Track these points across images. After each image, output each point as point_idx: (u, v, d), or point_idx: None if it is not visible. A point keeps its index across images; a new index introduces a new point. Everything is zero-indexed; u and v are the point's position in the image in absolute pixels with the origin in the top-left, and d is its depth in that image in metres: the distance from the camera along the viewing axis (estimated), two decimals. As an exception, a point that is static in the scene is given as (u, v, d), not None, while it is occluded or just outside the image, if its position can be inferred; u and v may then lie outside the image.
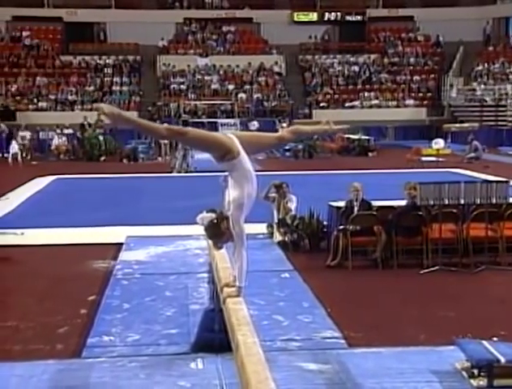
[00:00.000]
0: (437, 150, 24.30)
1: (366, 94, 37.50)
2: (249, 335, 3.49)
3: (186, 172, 21.81)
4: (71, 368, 5.76)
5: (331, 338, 6.50)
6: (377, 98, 37.36)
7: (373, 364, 5.79)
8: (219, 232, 4.44)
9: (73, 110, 34.75)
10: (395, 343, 6.33)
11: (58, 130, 28.35)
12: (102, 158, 26.62)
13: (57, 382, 5.44)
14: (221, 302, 4.54)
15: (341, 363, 5.81)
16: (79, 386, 5.35)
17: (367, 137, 29.26)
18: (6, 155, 27.82)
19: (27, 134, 28.54)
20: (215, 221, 4.41)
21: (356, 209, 9.59)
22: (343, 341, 6.44)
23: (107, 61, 38.48)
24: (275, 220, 10.91)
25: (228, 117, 32.93)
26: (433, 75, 38.83)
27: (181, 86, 37.16)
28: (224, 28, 41.09)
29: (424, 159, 23.19)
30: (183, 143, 4.35)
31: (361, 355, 6.06)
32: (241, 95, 36.28)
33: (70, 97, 35.77)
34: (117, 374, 5.57)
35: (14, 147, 26.65)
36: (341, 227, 9.50)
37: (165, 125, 4.67)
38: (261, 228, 11.15)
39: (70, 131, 28.93)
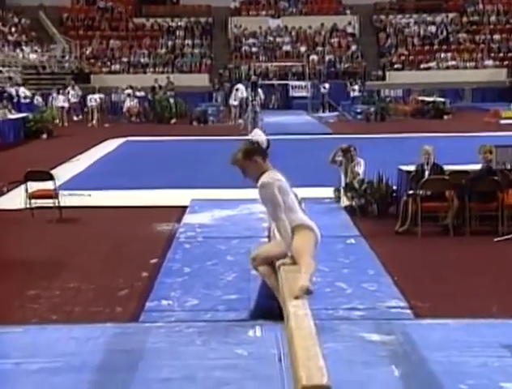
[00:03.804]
0: (517, 112, 23.29)
1: (443, 55, 36.30)
2: (300, 307, 3.27)
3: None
4: (128, 332, 5.69)
5: (396, 308, 6.22)
6: (454, 59, 36.12)
7: (440, 336, 5.49)
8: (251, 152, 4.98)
9: (145, 73, 34.96)
10: (465, 314, 6.01)
11: (128, 91, 28.44)
12: (172, 120, 26.70)
13: (112, 346, 5.37)
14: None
15: (406, 334, 5.53)
16: (134, 350, 5.26)
17: (442, 99, 28.42)
18: (80, 116, 28.28)
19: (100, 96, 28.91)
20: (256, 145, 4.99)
21: (426, 173, 9.20)
22: (409, 311, 6.15)
23: (179, 23, 38.44)
24: (343, 184, 10.61)
25: (299, 80, 32.49)
26: (514, 34, 37.28)
27: (253, 48, 36.81)
28: (297, -12, 40.36)
29: (502, 121, 22.30)
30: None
31: (428, 326, 5.77)
32: (313, 56, 35.65)
33: (142, 60, 35.96)
34: (173, 340, 5.46)
35: (92, 104, 27.01)
36: (411, 192, 9.15)
37: None
38: (328, 192, 10.89)
39: (141, 94, 29.13)
